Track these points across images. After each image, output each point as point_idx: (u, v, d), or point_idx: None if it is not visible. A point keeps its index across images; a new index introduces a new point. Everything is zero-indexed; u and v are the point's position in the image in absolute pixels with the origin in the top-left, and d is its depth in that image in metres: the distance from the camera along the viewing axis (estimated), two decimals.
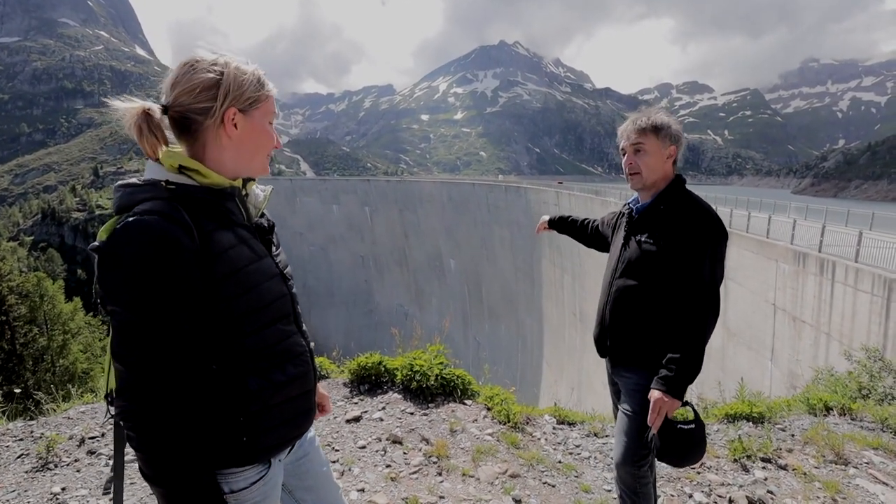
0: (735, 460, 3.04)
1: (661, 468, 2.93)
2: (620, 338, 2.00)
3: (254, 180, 1.25)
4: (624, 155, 2.05)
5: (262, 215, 1.29)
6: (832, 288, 13.51)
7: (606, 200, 33.42)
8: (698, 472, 2.90)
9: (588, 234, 2.56)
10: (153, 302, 0.97)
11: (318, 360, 3.96)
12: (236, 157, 1.16)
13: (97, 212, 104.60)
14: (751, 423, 3.62)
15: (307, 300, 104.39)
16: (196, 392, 1.03)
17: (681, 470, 2.92)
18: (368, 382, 3.81)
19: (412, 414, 3.40)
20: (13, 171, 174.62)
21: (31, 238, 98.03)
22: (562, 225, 2.71)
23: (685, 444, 1.82)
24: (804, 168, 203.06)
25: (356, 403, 3.58)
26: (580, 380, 40.22)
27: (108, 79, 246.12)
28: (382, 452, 2.92)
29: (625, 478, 2.02)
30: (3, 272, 21.16)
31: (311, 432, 1.43)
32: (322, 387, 3.75)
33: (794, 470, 2.95)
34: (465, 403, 3.60)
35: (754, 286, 16.76)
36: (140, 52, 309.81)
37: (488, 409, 3.49)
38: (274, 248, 1.29)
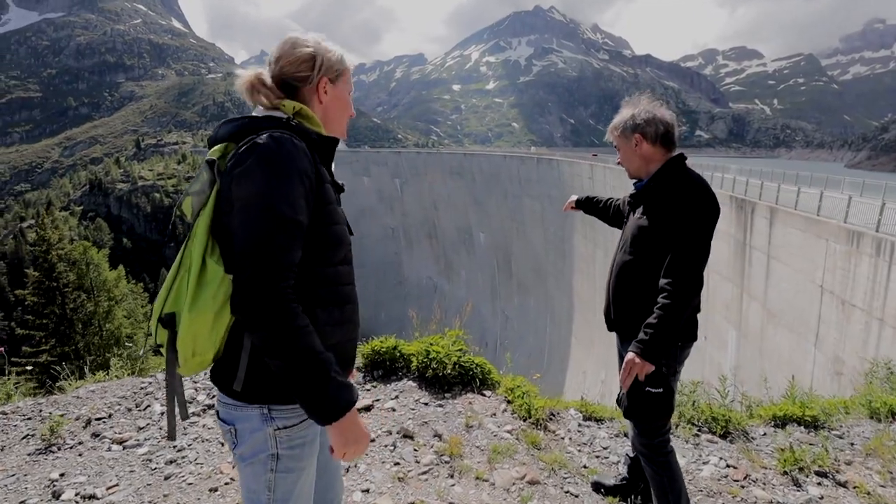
0: (785, 473, 2.70)
1: (699, 480, 2.63)
2: (622, 312, 2.11)
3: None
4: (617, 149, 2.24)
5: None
6: (889, 270, 12.62)
7: None
8: (742, 487, 2.58)
9: (610, 214, 2.62)
10: (295, 198, 1.12)
11: None
12: (325, 119, 1.35)
13: (139, 183, 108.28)
14: (802, 428, 3.25)
15: None
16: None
17: (723, 483, 2.61)
18: (382, 368, 3.61)
19: (426, 404, 3.18)
20: (62, 144, 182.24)
21: (81, 208, 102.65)
22: (588, 205, 2.88)
23: (651, 406, 1.94)
24: (860, 140, 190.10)
25: (369, 391, 3.39)
26: (609, 355, 39.62)
27: (146, 52, 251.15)
28: (392, 448, 2.72)
29: (641, 450, 2.12)
30: (53, 241, 22.08)
31: None
32: None
33: (855, 488, 2.59)
34: (483, 394, 3.36)
35: (800, 266, 15.89)
36: (176, 24, 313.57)
37: (508, 401, 3.23)
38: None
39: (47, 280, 20.98)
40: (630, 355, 1.87)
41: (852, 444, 3.06)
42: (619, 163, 2.21)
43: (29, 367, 20.04)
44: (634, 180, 2.20)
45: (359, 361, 3.72)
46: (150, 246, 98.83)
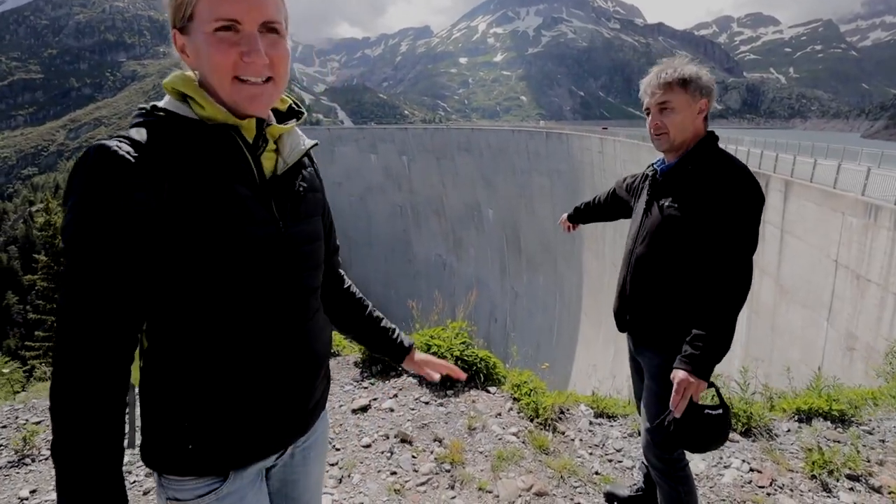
0: (813, 476, 2.50)
1: (721, 487, 2.44)
2: (642, 313, 1.86)
3: (290, 126, 1.03)
4: (648, 114, 1.82)
5: (300, 175, 1.04)
6: None
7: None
8: (769, 494, 2.39)
9: (606, 207, 2.36)
10: (93, 246, 0.79)
11: None
12: (208, 91, 0.91)
13: None
14: (829, 423, 3.04)
15: (347, 251, 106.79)
16: (124, 372, 0.85)
17: (747, 490, 2.42)
18: (381, 363, 3.43)
19: (427, 403, 3.00)
20: (67, 126, 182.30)
21: None
22: (582, 215, 2.58)
23: (710, 431, 1.67)
24: (878, 109, 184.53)
25: (366, 388, 3.21)
26: (618, 333, 39.67)
27: (147, 30, 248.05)
28: (389, 454, 2.55)
29: (656, 464, 1.91)
30: (59, 225, 22.24)
31: (320, 431, 1.18)
32: (332, 365, 3.40)
33: (890, 493, 2.39)
34: (488, 391, 3.18)
35: (814, 240, 15.57)
36: None
37: (515, 399, 3.04)
38: (298, 217, 1.01)
39: (56, 265, 21.16)
40: (682, 374, 1.62)
41: (883, 442, 2.85)
42: (654, 126, 1.80)
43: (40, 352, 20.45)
44: (655, 163, 1.90)
45: (356, 356, 3.54)
46: None
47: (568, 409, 3.07)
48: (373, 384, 3.26)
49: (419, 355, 1.41)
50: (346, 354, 3.61)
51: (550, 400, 2.94)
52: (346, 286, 1.31)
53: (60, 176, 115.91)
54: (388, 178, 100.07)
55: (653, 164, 1.94)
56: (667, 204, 1.77)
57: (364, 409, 2.96)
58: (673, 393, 1.63)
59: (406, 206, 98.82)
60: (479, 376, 3.23)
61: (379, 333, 1.33)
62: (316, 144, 1.08)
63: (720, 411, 1.68)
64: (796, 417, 3.11)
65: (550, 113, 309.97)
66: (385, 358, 1.43)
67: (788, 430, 2.97)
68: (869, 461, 2.63)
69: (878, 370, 5.66)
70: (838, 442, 2.80)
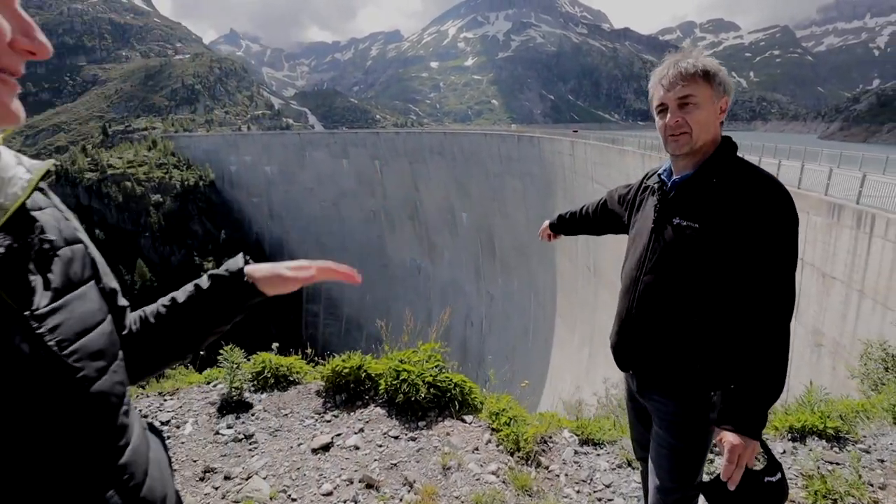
0: None
1: None
2: (652, 351, 1.57)
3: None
4: (662, 112, 1.53)
5: (34, 225, 0.68)
6: (869, 243, 12.69)
7: (624, 149, 31.83)
8: None
9: (594, 220, 2.12)
10: None
11: (287, 361, 3.27)
12: None
13: (109, 171, 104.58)
14: (825, 442, 2.87)
15: (321, 256, 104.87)
16: None
17: None
18: (346, 391, 3.11)
19: (396, 438, 2.70)
20: (24, 133, 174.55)
21: None
22: (566, 225, 2.34)
23: (769, 501, 1.40)
24: (833, 111, 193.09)
25: (328, 422, 2.89)
26: (593, 334, 40.03)
27: (108, 33, 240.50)
28: None
29: None
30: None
31: None
32: (292, 395, 3.06)
33: None
34: (463, 420, 2.89)
35: None
36: (138, 2, 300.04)
37: (493, 430, 2.77)
38: (56, 295, 0.66)
39: None
40: (732, 438, 1.35)
41: (882, 462, 2.69)
42: (674, 125, 1.50)
43: None
44: (659, 171, 1.63)
45: (318, 385, 3.22)
46: (125, 236, 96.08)
47: (551, 437, 2.82)
48: (336, 416, 2.94)
49: (261, 269, 1.01)
50: (306, 382, 3.28)
51: (532, 430, 2.67)
52: (144, 320, 0.94)
53: None
54: (360, 184, 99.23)
55: (656, 174, 1.64)
56: (685, 223, 1.49)
57: (325, 447, 2.64)
58: (725, 461, 1.35)
59: (380, 211, 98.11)
60: (454, 404, 2.95)
61: (199, 306, 0.94)
62: (49, 171, 0.73)
63: (779, 475, 1.43)
64: (790, 436, 2.94)
65: (521, 116, 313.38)
66: (232, 312, 0.97)
67: (784, 452, 2.79)
68: (871, 485, 2.46)
69: (853, 371, 5.61)
70: (837, 464, 2.63)
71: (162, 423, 2.82)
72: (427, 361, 3.08)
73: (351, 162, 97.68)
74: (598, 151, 36.69)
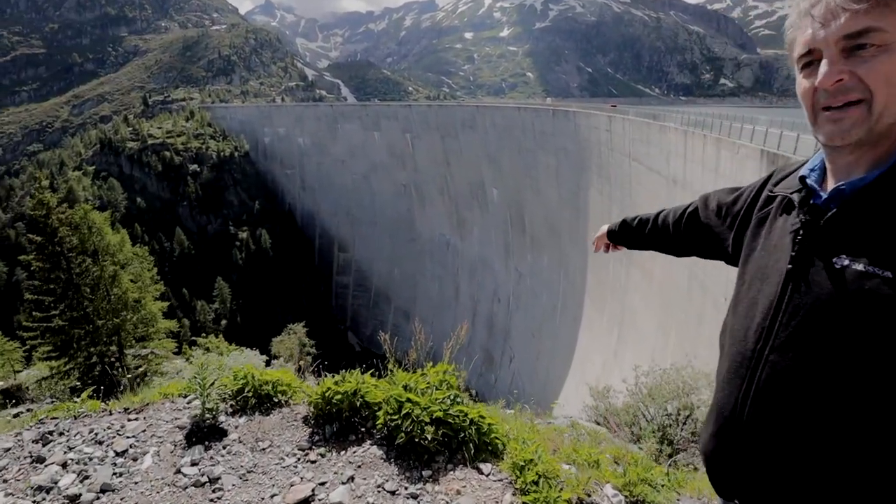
0: None
1: None
2: (780, 477, 0.96)
3: None
4: (808, 66, 0.95)
5: None
6: None
7: (665, 126, 30.03)
8: None
9: (676, 236, 1.48)
10: None
11: (273, 377, 2.74)
12: None
13: (149, 141, 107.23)
14: None
15: (351, 229, 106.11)
16: None
17: None
18: (338, 420, 2.58)
19: (393, 494, 2.16)
20: (71, 103, 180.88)
21: (93, 168, 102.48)
22: (632, 235, 1.71)
23: None
24: None
25: (313, 462, 2.37)
26: (623, 316, 38.98)
27: (147, 3, 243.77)
28: None
29: None
30: (52, 204, 21.63)
31: None
32: (275, 421, 2.53)
33: None
34: (480, 471, 2.32)
35: None
36: None
37: (517, 490, 2.18)
38: None
39: (51, 245, 20.85)
40: None
41: None
42: (835, 84, 0.88)
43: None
44: (794, 171, 1.06)
45: (305, 411, 2.69)
46: (165, 205, 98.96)
47: (589, 496, 2.21)
48: (323, 456, 2.42)
49: None
50: (294, 404, 2.75)
51: (567, 494, 2.07)
52: None
53: (65, 153, 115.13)
54: (391, 157, 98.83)
55: (794, 174, 1.06)
56: (858, 267, 0.89)
57: (305, 502, 2.11)
58: None
59: (410, 184, 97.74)
60: (468, 447, 2.36)
61: None
62: None
63: None
64: None
65: (557, 90, 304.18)
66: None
67: None
68: None
69: None
70: None
71: (117, 454, 2.35)
72: (438, 388, 2.49)
73: (382, 135, 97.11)
74: (636, 127, 34.90)
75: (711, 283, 23.29)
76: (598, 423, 13.94)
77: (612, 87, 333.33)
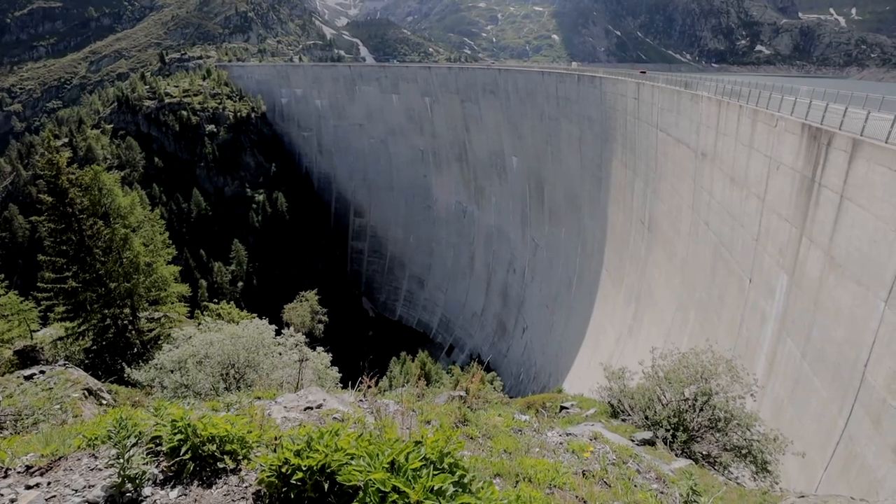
0: None
1: None
2: None
3: None
4: None
5: None
6: None
7: (697, 94, 28.23)
8: None
9: None
10: None
11: (220, 430, 2.09)
12: None
13: (167, 100, 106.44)
14: None
15: (367, 193, 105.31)
16: None
17: None
18: (306, 501, 1.91)
19: None
20: (88, 59, 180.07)
21: (112, 126, 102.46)
22: None
23: None
24: None
25: None
26: (640, 291, 38.05)
27: None
28: None
29: None
30: (62, 164, 21.29)
31: None
32: (217, 497, 1.89)
33: None
34: None
35: (882, 211, 13.51)
36: None
37: None
38: None
39: (61, 206, 20.61)
40: None
41: None
42: None
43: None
44: None
45: (258, 476, 2.03)
46: (182, 165, 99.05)
47: None
48: None
49: None
50: (247, 468, 2.11)
51: None
52: None
53: (83, 110, 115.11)
54: (409, 121, 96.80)
55: None
56: None
57: None
58: None
59: (427, 150, 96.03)
60: None
61: None
62: None
63: None
64: None
65: (583, 54, 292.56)
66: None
67: None
68: None
69: None
70: None
71: None
72: (437, 467, 1.80)
73: (401, 98, 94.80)
74: (666, 96, 33.01)
75: (737, 264, 22.21)
76: (612, 406, 13.30)
77: (640, 52, 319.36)
